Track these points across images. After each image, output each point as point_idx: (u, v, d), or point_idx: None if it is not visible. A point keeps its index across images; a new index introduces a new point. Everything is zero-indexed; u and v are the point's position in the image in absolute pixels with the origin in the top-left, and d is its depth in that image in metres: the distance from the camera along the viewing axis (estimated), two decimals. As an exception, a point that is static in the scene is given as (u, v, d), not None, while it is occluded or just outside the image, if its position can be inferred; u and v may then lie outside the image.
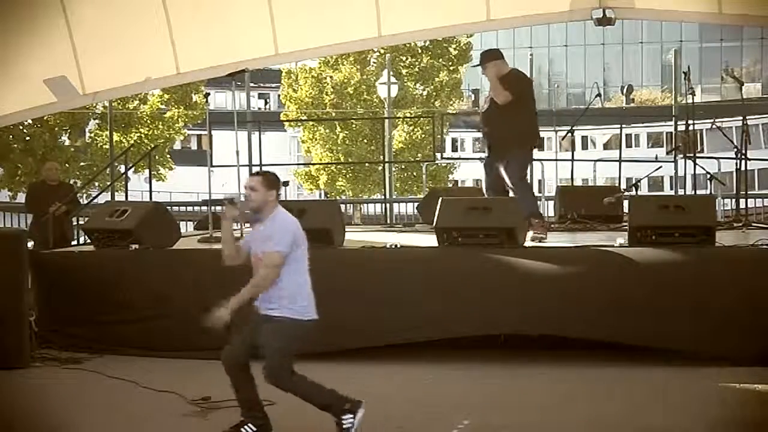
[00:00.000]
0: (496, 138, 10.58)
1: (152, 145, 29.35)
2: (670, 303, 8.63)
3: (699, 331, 8.51)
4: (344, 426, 6.63)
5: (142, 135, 33.71)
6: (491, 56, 10.75)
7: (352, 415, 6.65)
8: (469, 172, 40.65)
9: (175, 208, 20.80)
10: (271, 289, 6.64)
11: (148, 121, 34.42)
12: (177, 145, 44.94)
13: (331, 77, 35.54)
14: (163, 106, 35.02)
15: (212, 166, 13.04)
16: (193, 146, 58.04)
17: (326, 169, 35.31)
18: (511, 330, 9.13)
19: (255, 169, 16.43)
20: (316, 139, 35.62)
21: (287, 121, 37.18)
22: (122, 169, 19.41)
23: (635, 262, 8.90)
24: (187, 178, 40.60)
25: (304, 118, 35.99)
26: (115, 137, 29.66)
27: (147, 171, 21.13)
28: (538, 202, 11.26)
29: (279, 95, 40.42)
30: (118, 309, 9.77)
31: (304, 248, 6.71)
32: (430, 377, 8.58)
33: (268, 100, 63.06)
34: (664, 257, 8.83)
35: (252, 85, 32.05)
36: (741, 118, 12.85)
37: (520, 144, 10.52)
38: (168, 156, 35.91)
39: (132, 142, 31.74)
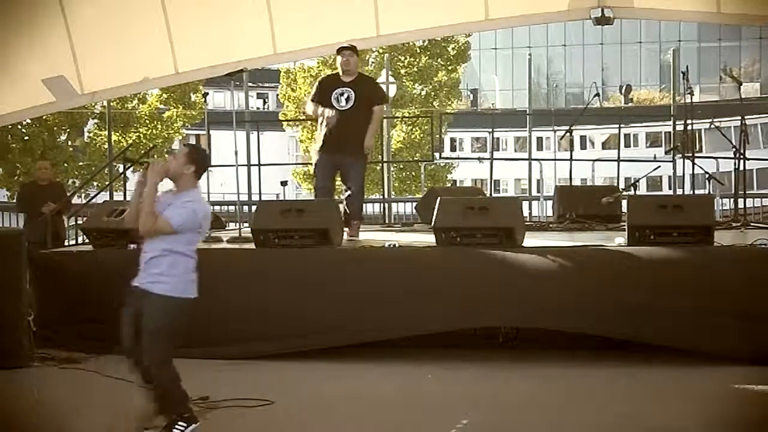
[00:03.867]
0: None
1: (151, 145, 29.34)
2: (669, 302, 8.64)
3: (697, 331, 8.51)
4: (174, 429, 6.38)
5: (141, 135, 33.72)
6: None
7: (186, 425, 6.40)
8: (468, 171, 40.68)
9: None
10: (154, 264, 6.55)
11: (147, 121, 34.43)
12: (175, 145, 44.93)
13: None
14: (161, 106, 35.01)
15: (210, 165, 13.02)
16: (192, 146, 58.01)
17: (325, 168, 35.30)
18: (510, 324, 9.18)
19: (254, 169, 16.44)
20: (314, 139, 35.59)
21: (286, 120, 37.16)
22: (120, 169, 19.39)
23: (634, 261, 8.90)
24: (186, 177, 40.48)
25: (303, 117, 35.97)
26: (114, 137, 29.64)
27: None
28: (536, 202, 11.28)
29: (277, 95, 40.37)
30: (116, 308, 9.75)
31: (201, 234, 6.69)
32: (430, 376, 8.58)
33: (266, 100, 63.09)
34: (662, 257, 8.83)
35: (250, 84, 31.94)
36: (739, 117, 12.85)
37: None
38: (166, 156, 35.89)
39: (131, 141, 31.73)
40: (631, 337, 8.80)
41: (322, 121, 10.80)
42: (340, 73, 10.96)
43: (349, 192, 11.13)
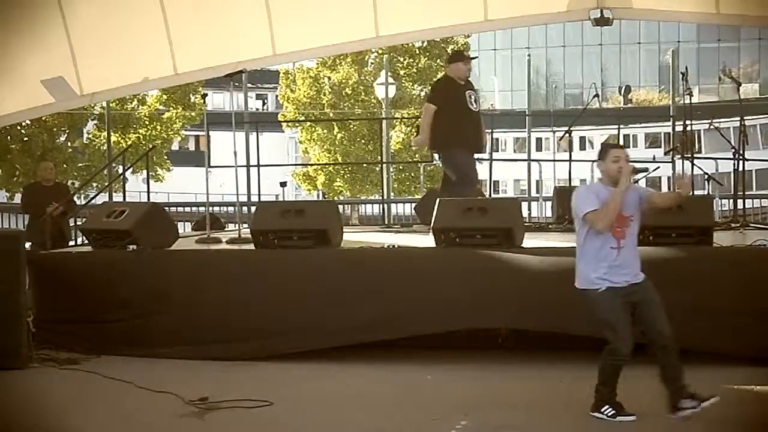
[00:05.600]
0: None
1: (150, 146, 29.36)
2: (667, 302, 8.61)
3: (696, 331, 8.50)
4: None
5: (140, 136, 33.72)
6: None
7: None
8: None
9: (173, 209, 20.79)
10: (633, 256, 6.81)
11: (146, 122, 34.43)
12: (175, 146, 44.96)
13: (328, 78, 35.56)
14: (161, 107, 35.02)
15: (210, 166, 13.05)
16: (191, 147, 58.09)
17: (324, 169, 35.33)
18: (509, 325, 9.17)
19: (253, 170, 16.44)
20: (313, 140, 35.64)
21: (285, 121, 37.21)
22: (120, 169, 19.39)
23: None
24: (185, 178, 40.58)
25: (302, 118, 36.01)
26: (113, 138, 29.65)
27: (145, 172, 21.12)
28: (536, 203, 11.37)
29: (277, 96, 40.40)
30: (115, 309, 9.78)
31: None
32: (429, 377, 8.58)
33: (265, 101, 63.12)
34: (661, 257, 8.82)
35: (250, 85, 32.00)
36: (738, 118, 12.84)
37: None
38: (166, 157, 35.93)
39: (130, 142, 31.74)
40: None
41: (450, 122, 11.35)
42: (460, 80, 11.62)
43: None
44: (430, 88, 12.12)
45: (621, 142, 29.02)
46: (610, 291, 6.65)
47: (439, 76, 12.06)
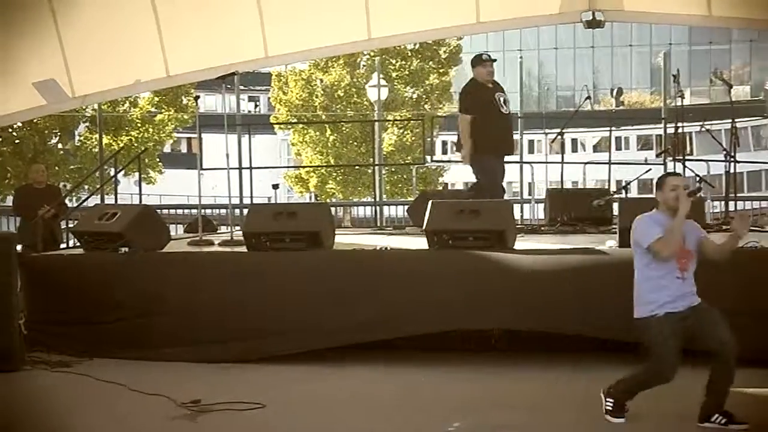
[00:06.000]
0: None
1: (142, 148, 29.31)
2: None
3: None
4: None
5: (132, 138, 33.68)
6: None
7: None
8: (459, 174, 40.68)
9: (165, 211, 20.77)
10: (691, 284, 6.78)
11: (138, 124, 34.39)
12: (167, 148, 44.92)
13: (321, 80, 35.55)
14: (153, 109, 34.98)
15: (202, 169, 13.04)
16: (183, 149, 58.01)
17: (316, 171, 35.32)
18: (502, 325, 9.20)
19: (245, 172, 16.43)
20: (306, 142, 35.63)
21: (277, 123, 37.17)
22: (112, 172, 19.38)
23: (625, 263, 8.91)
24: (177, 181, 40.56)
25: (294, 120, 36.00)
26: (105, 140, 29.65)
27: (137, 174, 21.12)
28: (528, 205, 11.40)
29: (269, 98, 40.39)
30: (108, 312, 9.77)
31: None
32: (423, 378, 8.58)
33: (258, 103, 63.06)
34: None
35: (242, 87, 31.98)
36: (730, 120, 12.88)
37: None
38: (158, 159, 35.88)
39: (122, 145, 31.70)
40: (624, 338, 8.82)
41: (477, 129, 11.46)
42: (487, 83, 11.79)
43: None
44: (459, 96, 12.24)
45: (612, 144, 29.11)
46: (668, 316, 6.64)
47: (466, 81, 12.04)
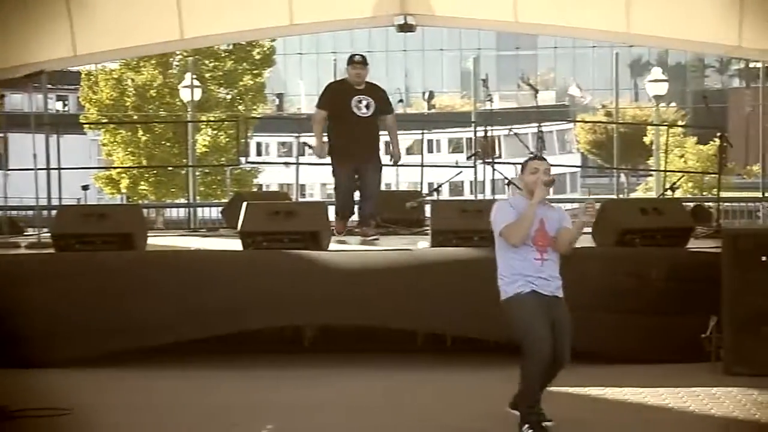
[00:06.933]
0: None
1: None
2: (469, 302, 8.86)
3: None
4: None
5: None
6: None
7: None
8: (274, 176, 40.63)
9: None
10: (554, 269, 6.67)
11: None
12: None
13: (132, 79, 34.92)
14: (-46, 107, 33.66)
15: (8, 169, 12.65)
16: (-13, 149, 56.02)
17: (128, 173, 34.65)
18: (316, 322, 9.32)
19: (53, 173, 16.00)
20: (117, 143, 34.92)
21: (87, 123, 36.31)
22: None
23: (437, 263, 9.14)
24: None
25: (105, 120, 35.26)
26: None
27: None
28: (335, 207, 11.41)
29: (78, 97, 39.40)
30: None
31: None
32: (225, 383, 8.54)
33: (66, 102, 61.41)
34: (463, 258, 9.08)
35: (50, 86, 31.09)
36: (536, 124, 13.30)
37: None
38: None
39: None
40: (437, 331, 9.08)
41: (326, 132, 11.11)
42: (353, 83, 11.13)
43: (366, 196, 11.25)
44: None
45: (425, 147, 29.60)
46: (531, 295, 6.53)
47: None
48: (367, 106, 11.01)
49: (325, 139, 11.14)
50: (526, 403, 6.54)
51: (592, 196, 11.27)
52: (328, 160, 11.18)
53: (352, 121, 10.97)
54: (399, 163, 11.48)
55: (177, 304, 9.09)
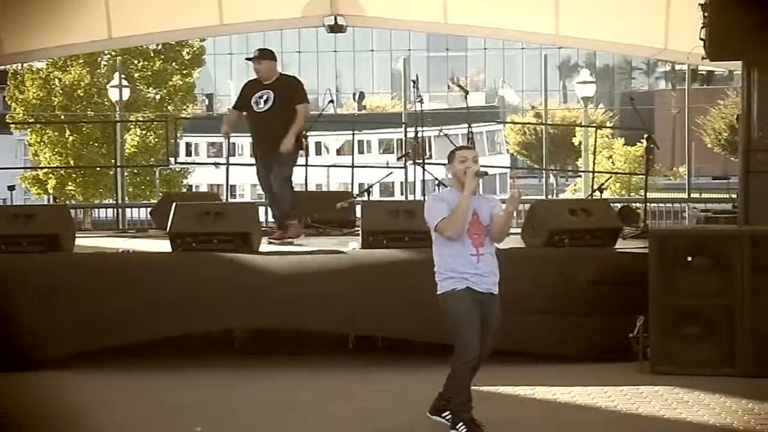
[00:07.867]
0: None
1: None
2: (401, 302, 8.88)
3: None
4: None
5: None
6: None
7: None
8: (204, 177, 40.40)
9: None
10: (491, 264, 6.65)
11: None
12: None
13: (59, 79, 34.49)
14: None
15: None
16: None
17: (55, 173, 34.21)
18: (245, 326, 9.29)
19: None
20: (44, 143, 34.44)
21: (13, 123, 35.83)
22: None
23: (368, 264, 9.15)
24: None
25: (32, 120, 34.78)
26: None
27: None
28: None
29: (4, 96, 38.83)
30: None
31: None
32: (159, 383, 8.48)
33: (-9, 102, 60.54)
34: (391, 259, 9.11)
35: (-26, 85, 30.67)
36: (466, 125, 13.36)
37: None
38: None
39: None
40: (365, 333, 9.11)
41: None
42: (260, 79, 10.92)
43: (273, 199, 11.05)
44: None
45: (355, 148, 29.64)
46: (466, 292, 6.49)
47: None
48: (266, 101, 10.81)
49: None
50: (457, 401, 6.56)
51: (523, 198, 11.32)
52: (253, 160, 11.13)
53: (251, 117, 10.89)
54: (284, 152, 11.00)
55: (104, 307, 8.96)
